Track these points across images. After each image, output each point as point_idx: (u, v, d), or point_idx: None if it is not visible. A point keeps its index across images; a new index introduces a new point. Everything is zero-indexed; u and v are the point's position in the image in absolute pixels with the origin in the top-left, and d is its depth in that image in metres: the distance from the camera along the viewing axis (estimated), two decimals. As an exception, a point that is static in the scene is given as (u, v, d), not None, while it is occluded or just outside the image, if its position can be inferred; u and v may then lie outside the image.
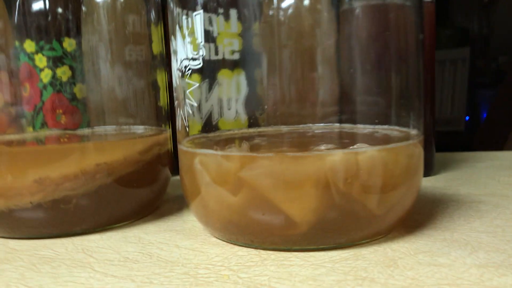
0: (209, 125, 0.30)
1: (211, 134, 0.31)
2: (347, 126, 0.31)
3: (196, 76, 0.29)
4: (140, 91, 0.38)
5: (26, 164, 0.31)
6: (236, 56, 0.30)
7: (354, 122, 0.30)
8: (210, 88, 0.29)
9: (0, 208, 0.32)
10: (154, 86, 0.39)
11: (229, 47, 0.29)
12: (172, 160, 0.40)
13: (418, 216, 0.34)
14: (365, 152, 0.27)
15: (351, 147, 0.27)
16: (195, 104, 0.29)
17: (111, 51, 0.37)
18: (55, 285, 0.25)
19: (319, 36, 0.29)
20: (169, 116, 0.41)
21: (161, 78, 0.39)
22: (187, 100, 0.30)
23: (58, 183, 0.31)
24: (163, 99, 0.40)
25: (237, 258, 0.27)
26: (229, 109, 0.29)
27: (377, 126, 0.30)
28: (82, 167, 0.32)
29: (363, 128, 0.31)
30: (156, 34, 0.40)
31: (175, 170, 0.40)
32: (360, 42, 0.29)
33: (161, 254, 0.29)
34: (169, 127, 0.40)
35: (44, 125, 0.40)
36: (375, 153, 0.27)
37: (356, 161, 0.26)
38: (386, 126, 0.30)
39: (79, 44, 0.37)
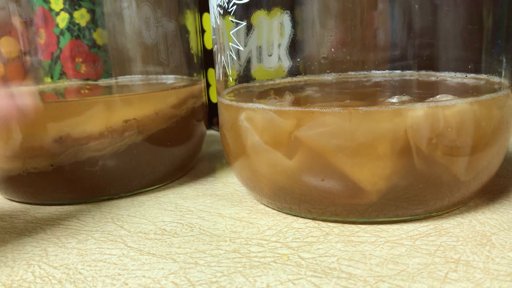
0: (252, 75, 0.26)
1: (257, 83, 0.27)
2: (414, 74, 0.26)
3: (242, 13, 0.24)
4: (170, 33, 0.33)
5: (43, 122, 0.27)
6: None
7: (426, 68, 0.25)
8: (257, 30, 0.24)
9: (17, 171, 0.28)
10: (185, 29, 0.34)
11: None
12: (206, 114, 0.36)
13: (499, 179, 0.29)
14: (454, 106, 0.21)
15: (431, 99, 0.22)
16: (241, 48, 0.24)
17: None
18: (82, 265, 0.21)
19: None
20: (202, 64, 0.36)
21: (192, 20, 0.34)
22: (230, 44, 0.25)
23: (81, 143, 0.27)
24: (195, 45, 0.35)
25: (293, 231, 0.23)
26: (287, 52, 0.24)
27: (451, 74, 0.25)
28: (108, 124, 0.27)
29: (435, 76, 0.25)
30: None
31: (209, 124, 0.35)
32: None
33: (204, 225, 0.25)
34: (203, 77, 0.35)
35: (62, 75, 0.36)
36: (466, 107, 0.22)
37: (443, 117, 0.21)
38: (461, 74, 0.25)
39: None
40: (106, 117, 0.27)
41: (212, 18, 0.26)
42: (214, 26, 0.26)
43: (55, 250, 0.23)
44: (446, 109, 0.21)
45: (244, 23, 0.24)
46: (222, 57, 0.26)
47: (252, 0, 0.24)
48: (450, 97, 0.22)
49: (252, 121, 0.24)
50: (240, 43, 0.24)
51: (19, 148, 0.27)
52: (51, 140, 0.27)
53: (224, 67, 0.26)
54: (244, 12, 0.24)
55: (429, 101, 0.22)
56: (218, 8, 0.25)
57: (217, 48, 0.26)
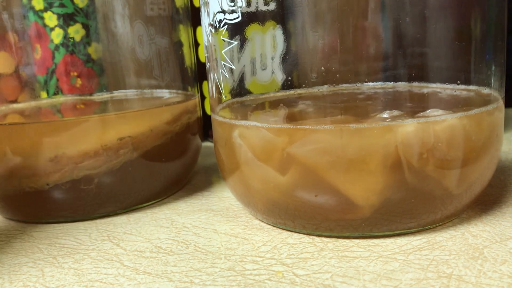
0: (246, 90, 0.26)
1: (250, 98, 0.27)
2: (406, 86, 0.26)
3: (233, 32, 0.24)
4: (164, 49, 0.33)
5: (38, 141, 0.27)
6: (274, 7, 0.24)
7: (417, 80, 0.25)
8: (250, 46, 0.24)
9: (13, 190, 0.28)
10: (179, 45, 0.34)
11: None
12: (201, 126, 0.36)
13: (491, 189, 0.29)
14: (444, 121, 0.22)
15: (422, 114, 0.23)
16: (233, 67, 0.24)
17: (128, 5, 0.32)
18: (79, 286, 0.21)
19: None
20: (196, 77, 0.36)
21: (186, 35, 0.35)
22: (221, 62, 0.25)
23: (76, 161, 0.27)
24: (189, 59, 0.35)
25: (288, 247, 0.23)
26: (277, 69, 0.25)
27: (442, 85, 0.25)
28: (103, 142, 0.27)
29: (426, 88, 0.26)
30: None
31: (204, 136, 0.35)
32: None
33: (199, 242, 0.25)
34: (198, 91, 0.36)
35: (58, 90, 0.36)
36: (456, 122, 0.22)
37: (433, 132, 0.21)
38: (451, 86, 0.25)
39: (91, -2, 0.33)
40: (100, 135, 0.27)
41: (205, 36, 0.26)
42: (207, 45, 0.26)
43: (52, 271, 0.23)
44: (436, 125, 0.22)
45: (236, 43, 0.24)
46: (215, 75, 0.26)
47: (243, 18, 0.24)
48: (440, 111, 0.23)
49: (245, 138, 0.24)
50: (232, 61, 0.25)
51: (14, 167, 0.27)
52: (47, 159, 0.27)
53: (217, 84, 0.26)
54: (235, 30, 0.24)
55: (419, 116, 0.22)
56: (210, 27, 0.25)
57: (210, 66, 0.26)
